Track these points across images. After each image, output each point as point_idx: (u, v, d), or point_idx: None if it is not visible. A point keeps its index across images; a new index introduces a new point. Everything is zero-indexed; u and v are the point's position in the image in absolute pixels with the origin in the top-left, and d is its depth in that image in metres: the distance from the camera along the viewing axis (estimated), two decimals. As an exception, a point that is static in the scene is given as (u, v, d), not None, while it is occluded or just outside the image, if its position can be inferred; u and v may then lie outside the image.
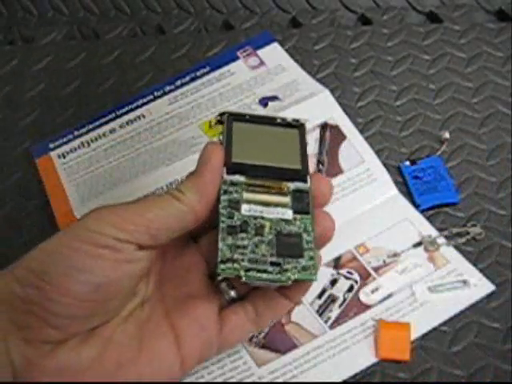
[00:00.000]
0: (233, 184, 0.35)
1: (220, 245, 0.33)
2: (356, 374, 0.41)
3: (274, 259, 0.34)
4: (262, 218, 0.35)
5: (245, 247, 0.34)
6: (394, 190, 0.48)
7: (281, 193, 0.36)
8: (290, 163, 0.37)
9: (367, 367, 0.41)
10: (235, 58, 0.54)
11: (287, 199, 0.35)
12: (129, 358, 0.33)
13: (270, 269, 0.33)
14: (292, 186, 0.36)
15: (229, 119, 0.38)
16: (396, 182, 0.48)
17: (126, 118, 0.51)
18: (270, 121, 0.38)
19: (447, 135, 0.50)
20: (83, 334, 0.33)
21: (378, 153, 0.49)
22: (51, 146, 0.51)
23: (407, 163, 0.49)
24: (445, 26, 0.57)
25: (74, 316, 0.32)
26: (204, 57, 0.55)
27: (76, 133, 0.51)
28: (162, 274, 0.37)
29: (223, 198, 0.35)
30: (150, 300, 0.36)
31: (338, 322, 0.42)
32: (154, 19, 0.59)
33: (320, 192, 0.36)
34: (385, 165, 0.49)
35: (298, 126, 0.38)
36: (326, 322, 0.42)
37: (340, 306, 0.43)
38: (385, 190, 0.48)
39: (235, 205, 0.35)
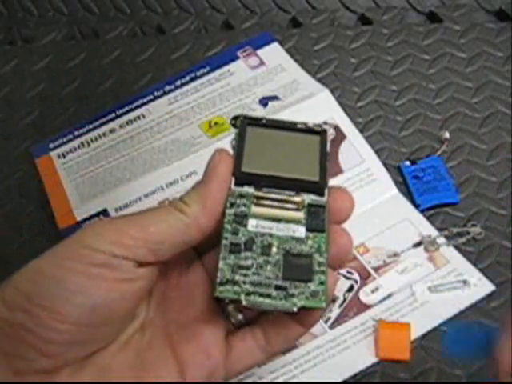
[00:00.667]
0: (241, 196, 0.32)
1: (220, 264, 0.30)
2: (356, 374, 0.41)
3: (279, 283, 0.30)
4: (271, 235, 0.31)
5: (248, 268, 0.30)
6: (393, 190, 0.48)
7: (294, 207, 0.32)
8: (307, 174, 0.33)
9: (367, 367, 0.41)
10: (235, 58, 0.54)
11: (300, 215, 0.32)
12: None
13: (274, 293, 0.30)
14: (307, 199, 0.32)
15: (243, 123, 0.34)
16: (396, 182, 0.48)
17: (125, 118, 0.51)
18: (289, 126, 0.34)
19: (447, 135, 0.50)
20: (78, 362, 0.30)
21: (378, 153, 0.49)
22: (51, 146, 0.51)
23: (407, 163, 0.49)
24: (445, 26, 0.57)
25: (68, 342, 0.29)
26: (204, 57, 0.55)
27: (76, 133, 0.51)
28: (164, 295, 0.33)
29: (229, 211, 0.31)
30: (151, 324, 0.32)
31: (338, 321, 0.42)
32: (154, 19, 0.59)
33: (339, 207, 0.32)
34: (385, 165, 0.49)
35: (320, 131, 0.34)
36: (326, 322, 0.42)
37: (340, 305, 0.43)
38: (385, 190, 0.48)
39: (241, 219, 0.31)
